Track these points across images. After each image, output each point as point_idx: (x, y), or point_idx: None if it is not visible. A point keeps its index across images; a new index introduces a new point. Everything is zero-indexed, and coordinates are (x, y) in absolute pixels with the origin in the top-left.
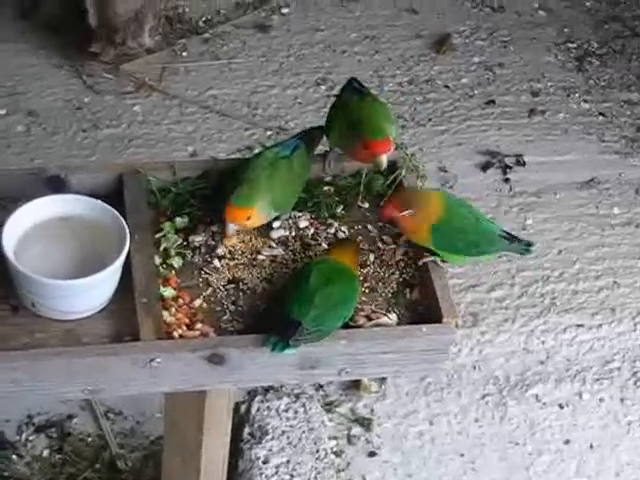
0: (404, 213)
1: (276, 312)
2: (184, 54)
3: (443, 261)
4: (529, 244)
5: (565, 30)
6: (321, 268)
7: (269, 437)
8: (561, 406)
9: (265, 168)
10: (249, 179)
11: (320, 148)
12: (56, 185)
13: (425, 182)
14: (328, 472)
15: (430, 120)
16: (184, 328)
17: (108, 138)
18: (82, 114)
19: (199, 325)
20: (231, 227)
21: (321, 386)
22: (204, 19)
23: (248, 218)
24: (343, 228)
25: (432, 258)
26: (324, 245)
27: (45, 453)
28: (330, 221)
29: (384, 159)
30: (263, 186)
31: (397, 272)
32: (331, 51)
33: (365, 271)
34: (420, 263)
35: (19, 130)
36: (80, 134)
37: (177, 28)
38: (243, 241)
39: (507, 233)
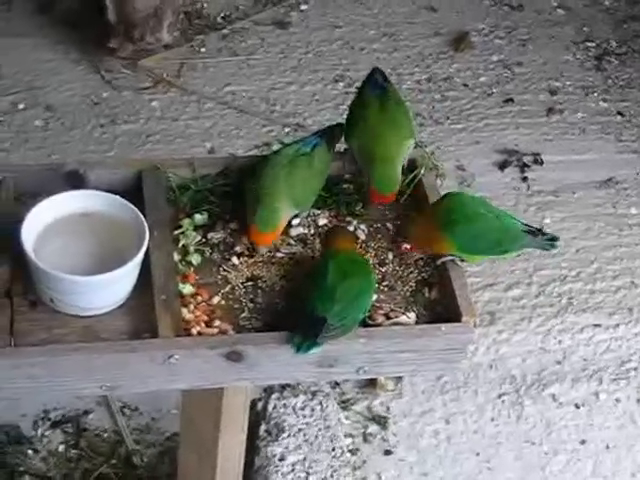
0: (404, 247)
1: (295, 309)
2: (202, 50)
3: (462, 260)
4: (553, 238)
5: (584, 29)
6: (337, 262)
7: (285, 434)
8: (577, 406)
9: (284, 166)
10: (270, 192)
11: (340, 145)
12: (75, 181)
13: (444, 181)
14: (344, 470)
15: (448, 118)
16: (202, 325)
17: (126, 133)
18: (100, 109)
19: (217, 322)
20: (263, 249)
21: (337, 384)
22: (223, 15)
23: (277, 237)
24: (362, 226)
25: (451, 257)
26: None
27: (61, 448)
28: (349, 219)
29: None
30: (283, 188)
31: (416, 271)
32: (349, 48)
33: (384, 269)
34: (438, 262)
35: (37, 125)
36: (98, 129)
37: (196, 24)
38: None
39: (530, 227)
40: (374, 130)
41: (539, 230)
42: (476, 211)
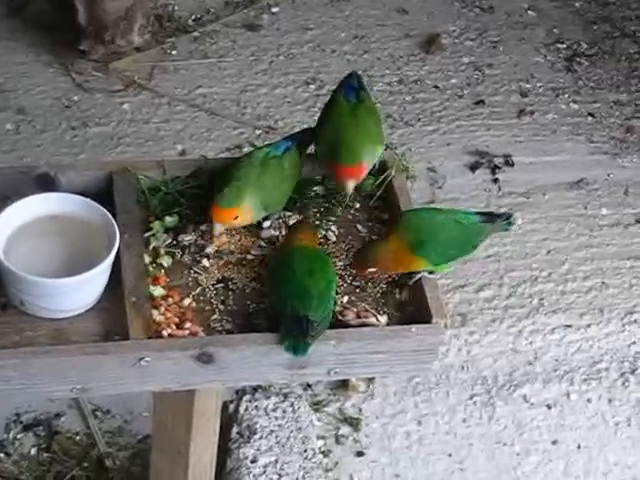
0: (369, 271)
1: (266, 312)
2: (173, 52)
3: (430, 272)
4: (509, 217)
5: (555, 30)
6: (299, 259)
7: (257, 436)
8: (549, 406)
9: (255, 167)
10: (237, 179)
11: (312, 148)
12: (46, 183)
13: (414, 182)
14: (316, 472)
15: (419, 120)
16: (173, 327)
17: (97, 136)
18: (71, 112)
19: (188, 324)
20: (218, 227)
21: (309, 385)
22: (194, 18)
23: (235, 218)
24: (333, 228)
25: (420, 275)
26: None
27: (33, 451)
28: (319, 222)
29: (350, 185)
30: (252, 185)
31: None
32: (321, 50)
33: (355, 270)
34: (411, 283)
35: (8, 128)
36: (69, 132)
37: (167, 26)
38: (232, 241)
39: (483, 214)
40: (343, 134)
41: (492, 214)
42: (438, 223)
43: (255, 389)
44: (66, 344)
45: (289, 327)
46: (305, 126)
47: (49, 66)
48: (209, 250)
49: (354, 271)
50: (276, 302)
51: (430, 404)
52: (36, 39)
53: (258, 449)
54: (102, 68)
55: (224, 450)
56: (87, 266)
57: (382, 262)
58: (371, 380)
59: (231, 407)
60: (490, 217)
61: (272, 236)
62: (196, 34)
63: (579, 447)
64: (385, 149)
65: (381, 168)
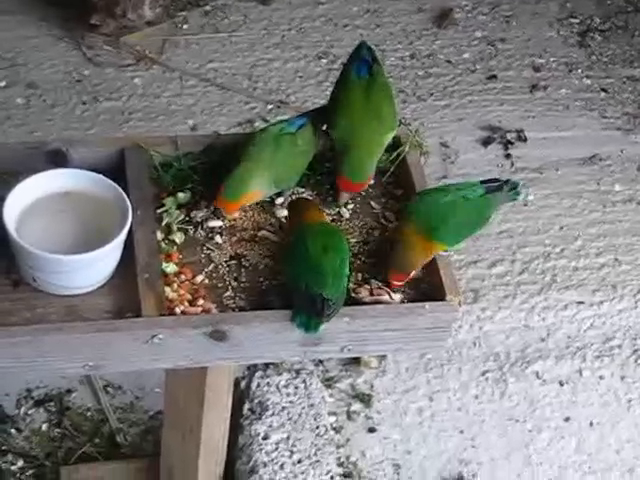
0: (411, 277)
1: (279, 289)
2: (185, 27)
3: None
4: (515, 185)
5: (568, 5)
6: (313, 236)
7: (269, 413)
8: (561, 383)
9: (269, 144)
10: (249, 158)
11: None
12: (57, 159)
13: (428, 158)
14: (328, 448)
15: (432, 95)
16: (186, 304)
17: (108, 111)
18: (82, 86)
19: (201, 301)
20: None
21: (321, 362)
22: None
23: (240, 207)
24: (347, 205)
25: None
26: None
27: (44, 427)
28: (332, 198)
29: (345, 197)
30: (263, 165)
31: None
32: (332, 24)
33: (368, 248)
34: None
35: (19, 102)
36: (80, 106)
37: (178, 0)
38: (245, 217)
39: (490, 184)
40: (356, 119)
41: (498, 182)
42: (447, 204)
43: (267, 365)
44: (78, 321)
45: (303, 304)
46: (317, 101)
47: (60, 40)
48: (222, 226)
49: (399, 283)
50: (290, 279)
51: (442, 380)
52: (47, 13)
53: (270, 425)
54: (113, 42)
55: (236, 427)
56: (99, 243)
57: (413, 260)
58: (383, 357)
59: (243, 383)
60: (495, 186)
61: (285, 214)
62: (207, 8)
63: (591, 424)
64: (399, 125)
65: (395, 144)
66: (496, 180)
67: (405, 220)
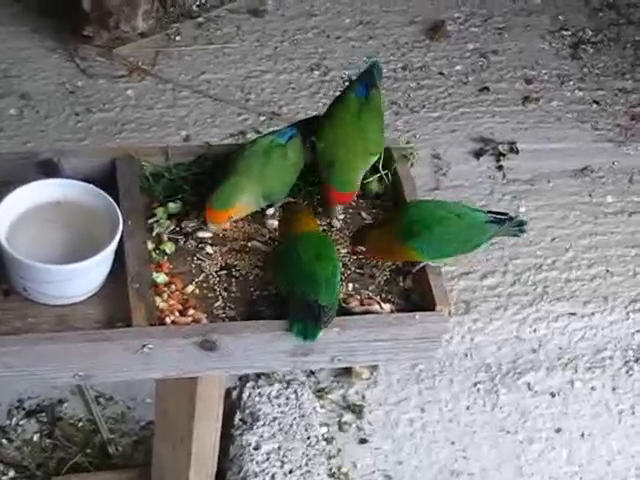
0: (358, 249)
1: (269, 299)
2: (178, 38)
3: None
4: (521, 223)
5: (560, 17)
6: (305, 244)
7: (260, 423)
8: (553, 394)
9: (259, 157)
10: (238, 172)
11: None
12: (48, 169)
13: (419, 169)
14: (319, 459)
15: (424, 107)
16: (176, 314)
17: (101, 122)
18: (75, 98)
19: (191, 311)
20: (212, 227)
21: (312, 372)
22: (198, 3)
23: (229, 218)
24: (337, 216)
25: (423, 263)
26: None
27: (35, 437)
28: (323, 209)
29: (336, 211)
30: (252, 179)
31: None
32: (325, 36)
33: (359, 257)
34: (414, 271)
35: (12, 113)
36: (73, 118)
37: (171, 12)
38: (235, 228)
39: (495, 215)
40: (341, 135)
41: (506, 217)
42: (435, 217)
43: (258, 376)
44: (69, 331)
45: (299, 312)
46: (310, 112)
47: (53, 51)
48: (212, 237)
49: (349, 248)
50: (284, 287)
51: (433, 391)
52: (40, 24)
53: (261, 436)
54: (106, 53)
55: (227, 437)
56: (90, 253)
57: (371, 243)
58: (374, 367)
59: (234, 394)
60: (500, 218)
61: (276, 224)
62: (200, 20)
63: (583, 435)
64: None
65: (387, 154)
66: (504, 214)
67: (392, 216)
